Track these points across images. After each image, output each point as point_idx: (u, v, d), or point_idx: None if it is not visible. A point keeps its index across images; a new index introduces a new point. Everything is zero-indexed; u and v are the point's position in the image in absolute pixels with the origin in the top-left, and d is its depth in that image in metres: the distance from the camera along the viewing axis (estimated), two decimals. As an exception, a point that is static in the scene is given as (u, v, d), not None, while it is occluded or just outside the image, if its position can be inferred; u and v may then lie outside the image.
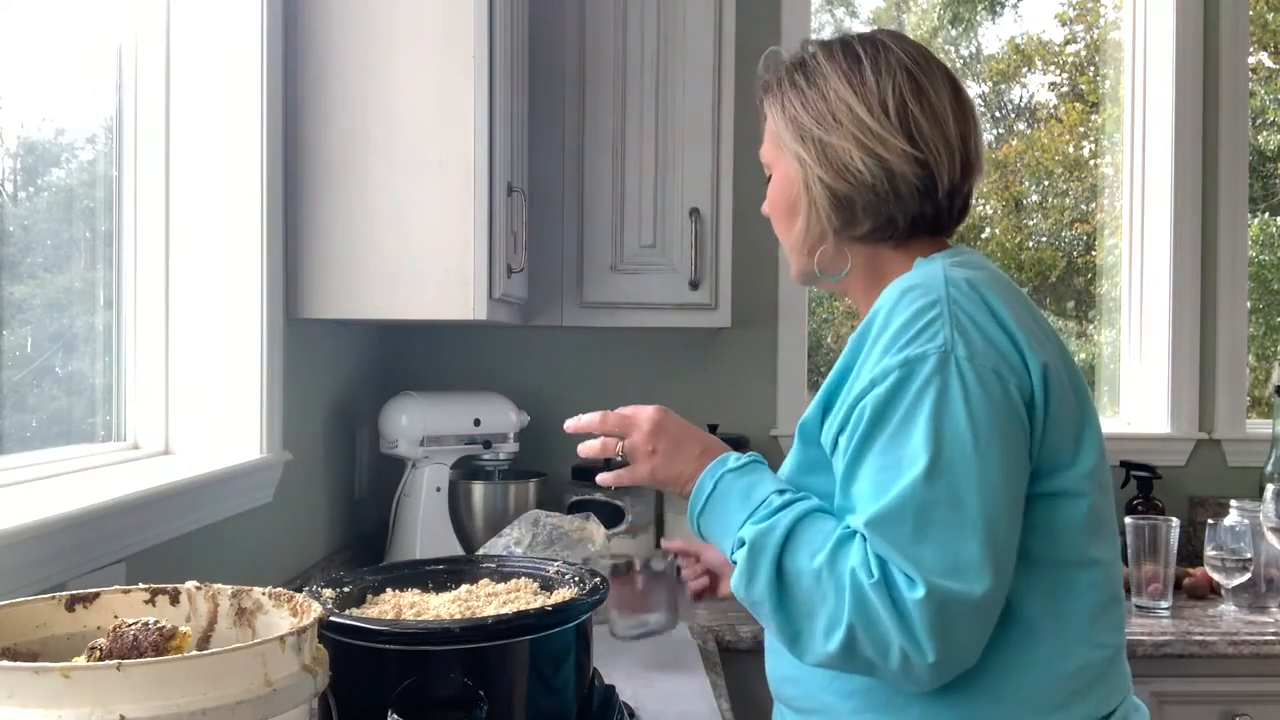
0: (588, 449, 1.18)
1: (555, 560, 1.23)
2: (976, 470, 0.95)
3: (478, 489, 2.20)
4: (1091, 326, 3.22)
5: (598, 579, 1.13)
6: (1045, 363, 1.01)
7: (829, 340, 3.39)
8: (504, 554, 1.47)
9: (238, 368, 1.61)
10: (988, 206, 3.67)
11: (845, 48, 1.14)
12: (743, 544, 1.02)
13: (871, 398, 0.99)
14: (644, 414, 1.15)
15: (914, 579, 0.93)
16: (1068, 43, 3.58)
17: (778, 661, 1.15)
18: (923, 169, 1.09)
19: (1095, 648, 1.06)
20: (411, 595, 1.15)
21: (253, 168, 1.60)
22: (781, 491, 1.05)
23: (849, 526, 1.00)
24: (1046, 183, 3.58)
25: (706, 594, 1.48)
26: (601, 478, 1.20)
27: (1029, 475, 1.01)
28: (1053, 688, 1.04)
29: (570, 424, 1.19)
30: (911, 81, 1.10)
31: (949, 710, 1.02)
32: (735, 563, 1.04)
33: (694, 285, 2.22)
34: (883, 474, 0.97)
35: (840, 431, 1.03)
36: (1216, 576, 2.13)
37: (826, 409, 1.07)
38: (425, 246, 1.71)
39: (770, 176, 1.20)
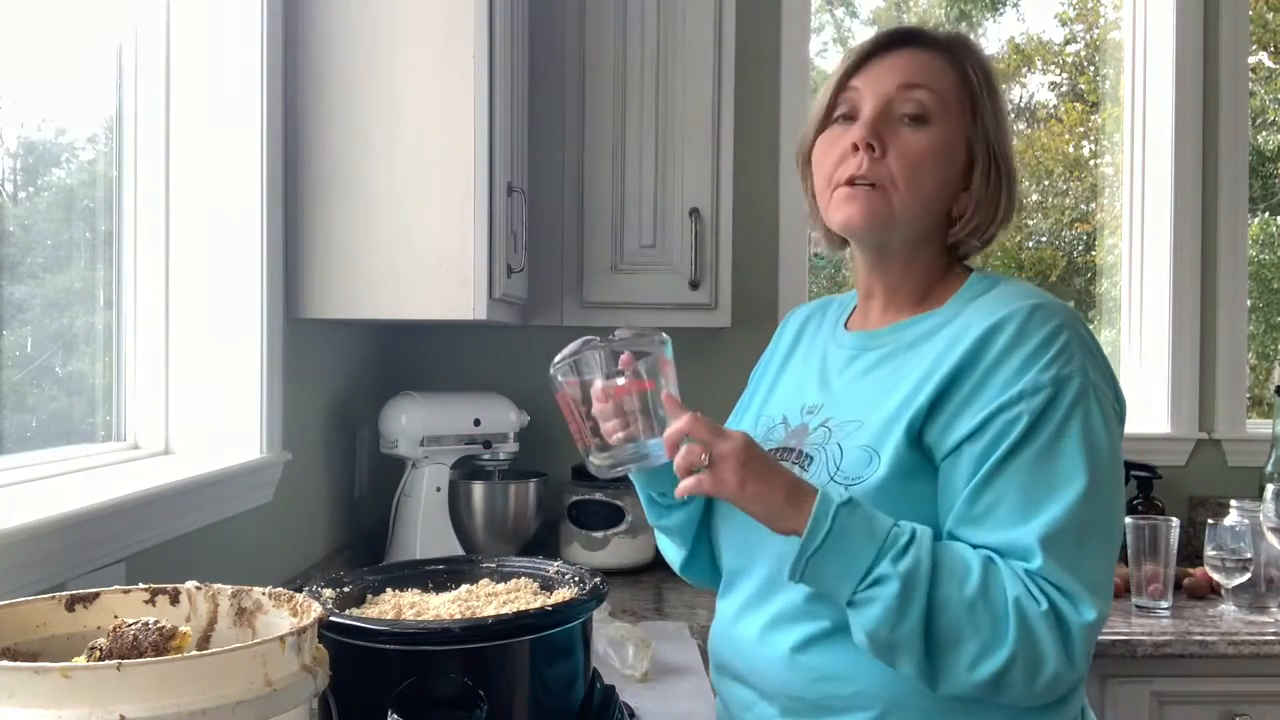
0: (677, 453, 1.03)
1: (555, 561, 1.23)
2: (1115, 494, 1.02)
3: (478, 489, 2.20)
4: (1091, 326, 3.22)
5: (598, 579, 1.13)
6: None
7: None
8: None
9: (238, 368, 1.61)
10: (988, 206, 3.66)
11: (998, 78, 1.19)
12: (879, 581, 0.97)
13: (1025, 410, 1.00)
14: (736, 432, 1.04)
15: (1082, 600, 0.97)
16: (1068, 42, 3.58)
17: (819, 658, 1.08)
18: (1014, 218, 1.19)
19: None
20: (411, 595, 1.15)
21: (253, 168, 1.60)
22: (897, 523, 1.00)
23: (987, 551, 1.00)
24: (1046, 183, 3.58)
25: None
26: (684, 487, 1.03)
27: None
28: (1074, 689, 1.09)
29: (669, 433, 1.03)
30: None
31: (985, 708, 1.04)
32: (859, 601, 0.98)
33: (694, 285, 2.22)
34: (1039, 489, 0.99)
35: (968, 437, 1.02)
36: (1216, 576, 2.13)
37: (934, 409, 1.04)
38: (425, 246, 1.71)
39: (923, 112, 1.11)
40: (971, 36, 1.23)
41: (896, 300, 1.18)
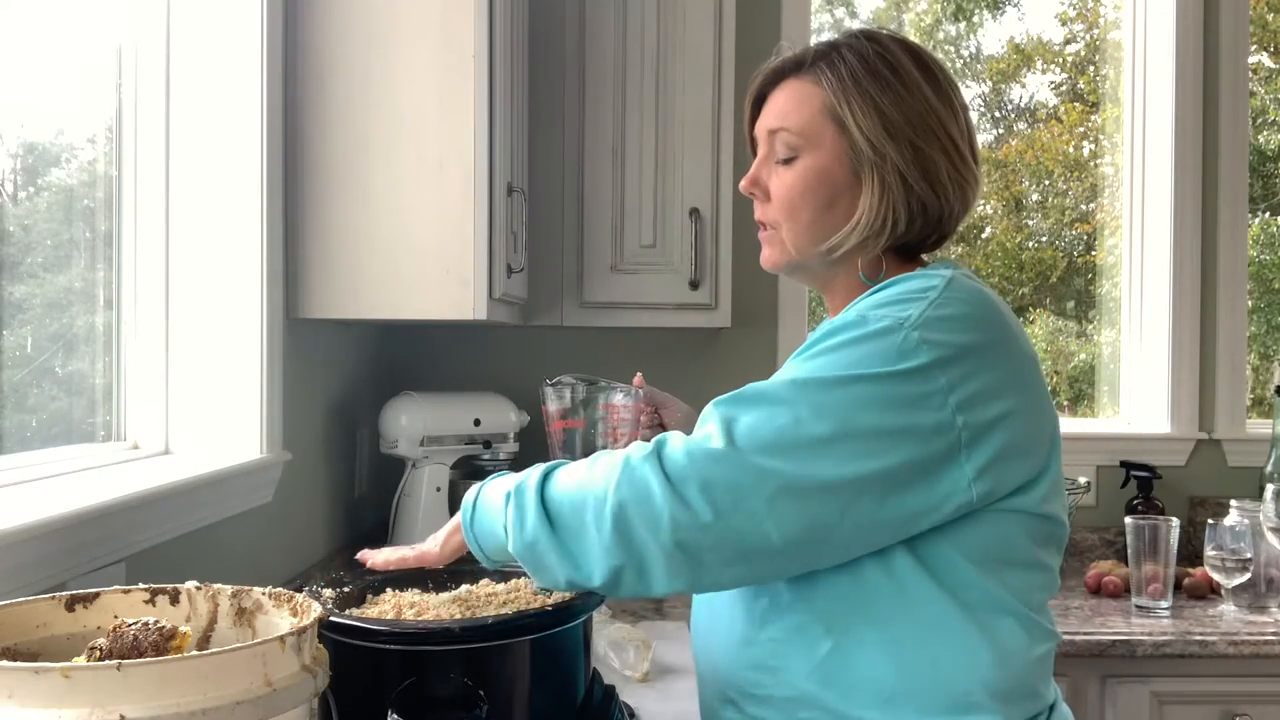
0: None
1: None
2: (843, 415, 0.95)
3: (478, 489, 2.20)
4: (1091, 326, 3.22)
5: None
6: (1024, 400, 1.02)
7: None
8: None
9: (237, 368, 1.61)
10: (988, 206, 3.67)
11: (919, 55, 1.16)
12: (506, 502, 1.04)
13: (812, 338, 1.04)
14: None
15: (717, 433, 0.96)
16: (1068, 42, 3.58)
17: (747, 649, 1.11)
18: (973, 196, 1.17)
19: (1049, 637, 1.11)
20: (411, 595, 1.15)
21: (252, 167, 1.61)
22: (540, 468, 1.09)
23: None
24: (1046, 183, 3.59)
25: None
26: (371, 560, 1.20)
27: (972, 490, 1.00)
28: (1024, 672, 1.07)
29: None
30: (967, 108, 1.19)
31: (942, 693, 1.03)
32: (506, 532, 1.04)
33: (694, 285, 2.22)
34: (772, 380, 1.01)
35: None
36: (1216, 576, 2.13)
37: None
38: (425, 246, 1.71)
39: (790, 153, 1.15)
40: (872, 28, 1.19)
41: (836, 310, 1.21)
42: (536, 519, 1.01)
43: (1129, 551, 2.16)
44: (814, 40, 1.37)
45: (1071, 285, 3.50)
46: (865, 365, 0.97)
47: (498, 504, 1.07)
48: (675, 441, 0.98)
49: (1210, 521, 2.15)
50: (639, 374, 1.37)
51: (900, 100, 1.12)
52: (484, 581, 1.19)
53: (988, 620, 1.04)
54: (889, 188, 1.12)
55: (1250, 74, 2.75)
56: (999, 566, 1.04)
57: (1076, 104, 3.57)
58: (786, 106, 1.16)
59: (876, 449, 0.96)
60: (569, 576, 1.02)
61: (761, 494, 0.95)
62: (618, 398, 1.33)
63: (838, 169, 1.13)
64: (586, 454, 1.32)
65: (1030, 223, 3.61)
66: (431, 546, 1.16)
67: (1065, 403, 3.31)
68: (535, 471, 1.06)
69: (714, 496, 0.95)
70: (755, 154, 1.22)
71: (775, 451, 0.95)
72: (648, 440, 1.36)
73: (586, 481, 1.00)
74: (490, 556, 1.10)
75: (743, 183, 1.20)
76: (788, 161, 1.16)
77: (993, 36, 4.78)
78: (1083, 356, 3.33)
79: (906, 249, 1.18)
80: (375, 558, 1.19)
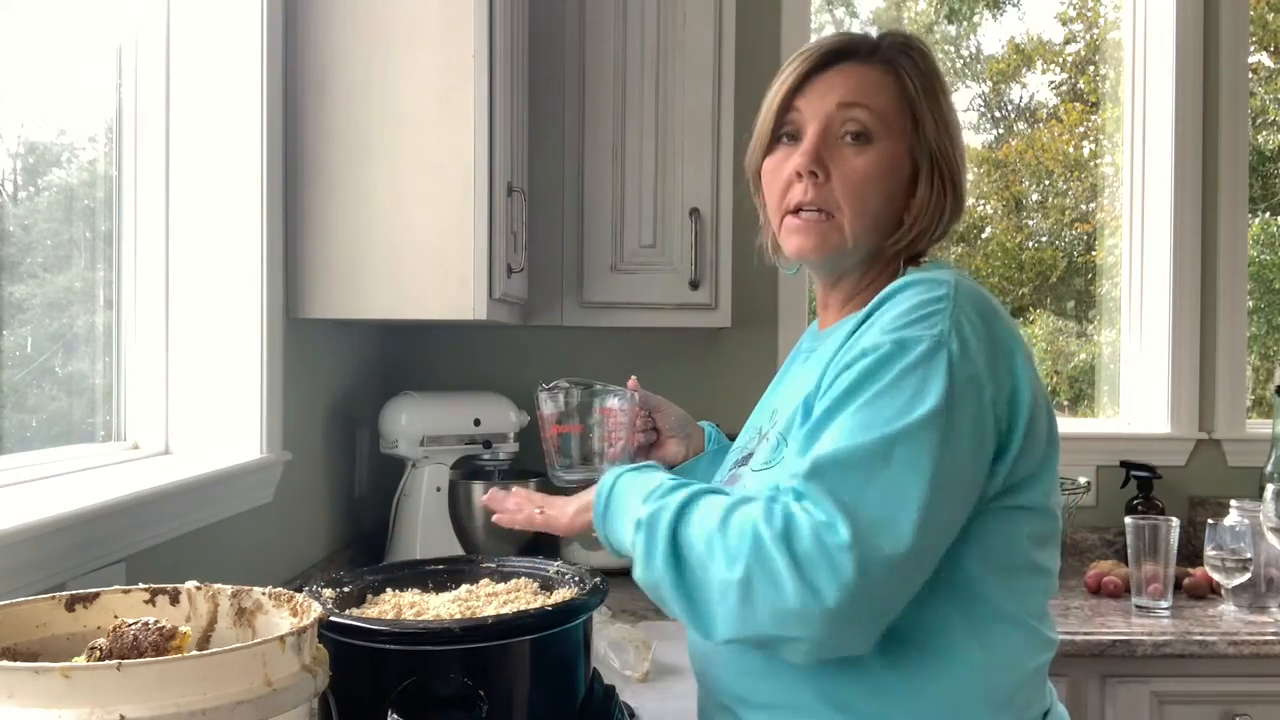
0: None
1: (555, 561, 1.23)
2: (935, 457, 0.94)
3: (478, 489, 2.20)
4: (1091, 326, 3.22)
5: (598, 579, 1.13)
6: (1034, 391, 1.03)
7: (829, 340, 3.38)
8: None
9: (237, 368, 1.61)
10: (988, 206, 3.67)
11: (944, 78, 1.19)
12: (636, 526, 1.01)
13: (858, 366, 0.99)
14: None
15: (839, 524, 0.91)
16: (1068, 42, 3.58)
17: (741, 656, 1.11)
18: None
19: (1048, 646, 1.10)
20: (411, 595, 1.15)
21: (253, 167, 1.61)
22: (673, 478, 1.06)
23: (752, 493, 1.01)
24: (1046, 183, 3.59)
25: (652, 453, 1.43)
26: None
27: (986, 488, 1.01)
28: (1030, 682, 1.08)
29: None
30: None
31: (936, 703, 1.03)
32: (633, 548, 1.02)
33: (694, 285, 2.22)
34: (849, 430, 0.96)
35: (817, 394, 1.03)
36: (1216, 576, 2.13)
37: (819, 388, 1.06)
38: (425, 246, 1.71)
39: (863, 134, 1.12)
40: (912, 34, 1.20)
41: (850, 307, 1.19)
42: (664, 562, 0.98)
43: (1129, 551, 2.16)
44: (814, 40, 1.35)
45: (1071, 285, 3.50)
46: (932, 395, 0.96)
47: (629, 514, 1.04)
48: (803, 523, 0.93)
49: (1210, 521, 2.15)
50: (633, 377, 1.37)
51: (953, 113, 1.16)
52: (484, 581, 1.19)
53: (989, 628, 1.04)
54: (940, 190, 1.14)
55: (1250, 74, 2.75)
56: (1003, 572, 1.04)
57: (1076, 104, 3.57)
58: (863, 85, 1.13)
59: (971, 483, 0.99)
60: (689, 624, 1.00)
61: (887, 576, 0.94)
62: (613, 401, 1.32)
63: (905, 163, 1.14)
64: (583, 459, 1.33)
65: (1030, 223, 3.61)
66: (559, 516, 1.16)
67: (1065, 403, 3.31)
68: (671, 503, 1.00)
69: (844, 584, 0.91)
70: (779, 135, 1.17)
71: (891, 526, 0.93)
72: (644, 444, 1.38)
73: (718, 541, 0.96)
74: (615, 550, 1.10)
75: (803, 159, 1.12)
76: (859, 139, 1.12)
77: (992, 36, 4.78)
78: (1083, 356, 3.33)
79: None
80: (505, 503, 1.21)
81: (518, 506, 1.20)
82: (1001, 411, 1.01)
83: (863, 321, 1.05)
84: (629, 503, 1.05)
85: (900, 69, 1.14)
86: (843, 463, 0.94)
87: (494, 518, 1.22)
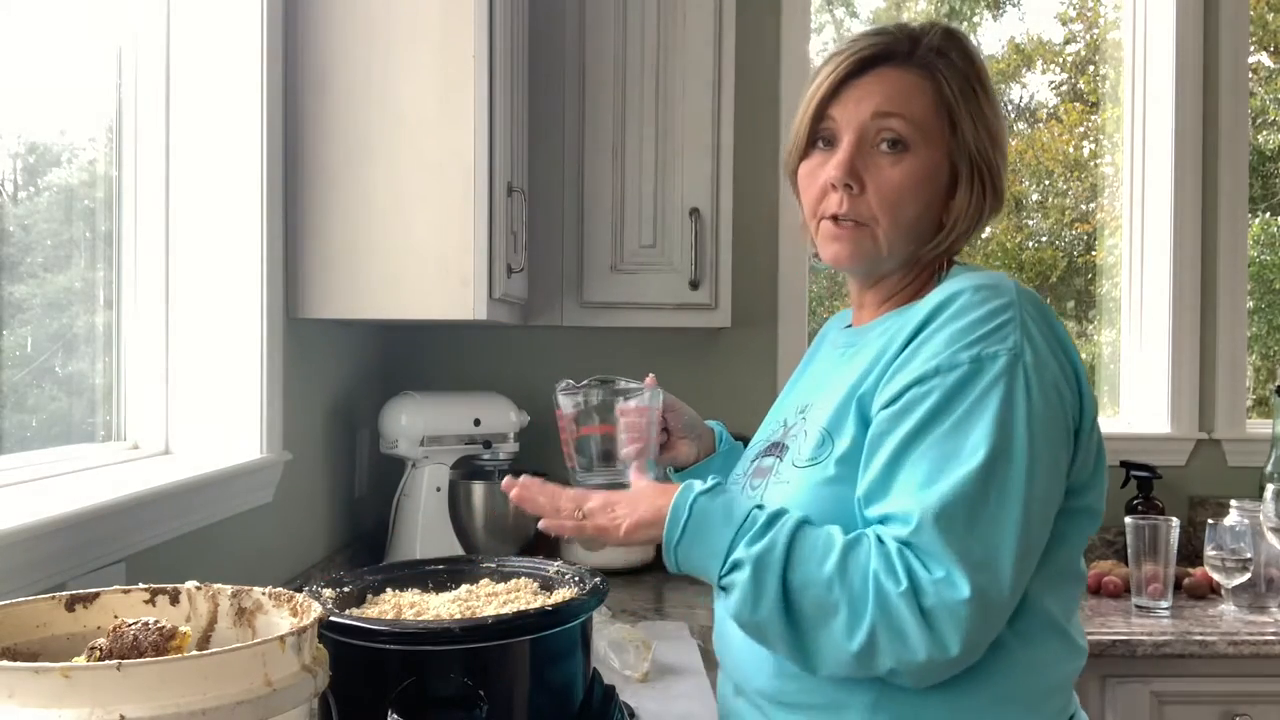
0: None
1: (555, 560, 1.23)
2: (1026, 474, 0.96)
3: (478, 489, 2.20)
4: (1091, 326, 3.22)
5: (598, 579, 1.13)
6: (1092, 393, 1.05)
7: (829, 340, 3.38)
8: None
9: (237, 368, 1.61)
10: (988, 206, 3.66)
11: (986, 70, 1.16)
12: (737, 566, 0.99)
13: (938, 386, 0.98)
14: (596, 492, 1.13)
15: (957, 576, 0.93)
16: (1068, 42, 3.58)
17: (772, 656, 1.10)
18: None
19: (1081, 654, 1.11)
20: (411, 595, 1.15)
21: (252, 167, 1.61)
22: (760, 506, 1.03)
23: (867, 529, 0.99)
24: (1046, 183, 3.58)
25: (663, 454, 1.39)
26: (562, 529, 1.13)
27: (1064, 491, 1.03)
28: (1062, 687, 1.09)
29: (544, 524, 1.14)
30: None
31: (975, 706, 1.02)
32: (725, 587, 1.01)
33: (694, 285, 2.22)
34: (940, 463, 0.96)
35: (884, 407, 1.01)
36: (1216, 576, 2.13)
37: (877, 386, 1.05)
38: (425, 246, 1.71)
39: (899, 143, 1.10)
40: (952, 26, 1.17)
41: (888, 306, 1.19)
42: (775, 608, 0.97)
43: (1129, 551, 2.16)
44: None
45: (1071, 285, 3.50)
46: (1018, 415, 0.97)
47: (718, 545, 1.01)
48: (924, 579, 0.94)
49: (1210, 521, 2.15)
50: (651, 375, 1.33)
51: (993, 107, 1.13)
52: (484, 581, 1.19)
53: (1034, 634, 1.04)
54: (980, 193, 1.12)
55: (1250, 74, 2.74)
56: (1052, 577, 1.04)
57: (1076, 104, 3.57)
58: (898, 93, 1.10)
59: (1058, 494, 1.01)
60: (791, 657, 1.00)
61: (1002, 611, 0.97)
62: (636, 400, 1.27)
63: (943, 170, 1.12)
64: (605, 460, 1.26)
65: (1030, 223, 3.61)
66: (611, 529, 1.08)
67: (1065, 403, 3.30)
68: (778, 542, 0.98)
69: (971, 635, 0.94)
70: (814, 138, 1.15)
71: (996, 561, 0.95)
72: (661, 445, 1.33)
73: (839, 592, 0.96)
74: (680, 571, 1.06)
75: (837, 172, 1.10)
76: (895, 147, 1.10)
77: (993, 36, 4.78)
78: (1083, 356, 3.33)
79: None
80: (537, 500, 1.13)
81: (554, 507, 1.12)
82: (1074, 414, 1.02)
83: (923, 326, 1.03)
84: (715, 531, 1.02)
85: (937, 72, 1.11)
86: (948, 510, 0.95)
87: (540, 524, 1.13)
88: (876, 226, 1.11)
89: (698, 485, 1.05)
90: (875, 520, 1.00)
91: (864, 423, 1.05)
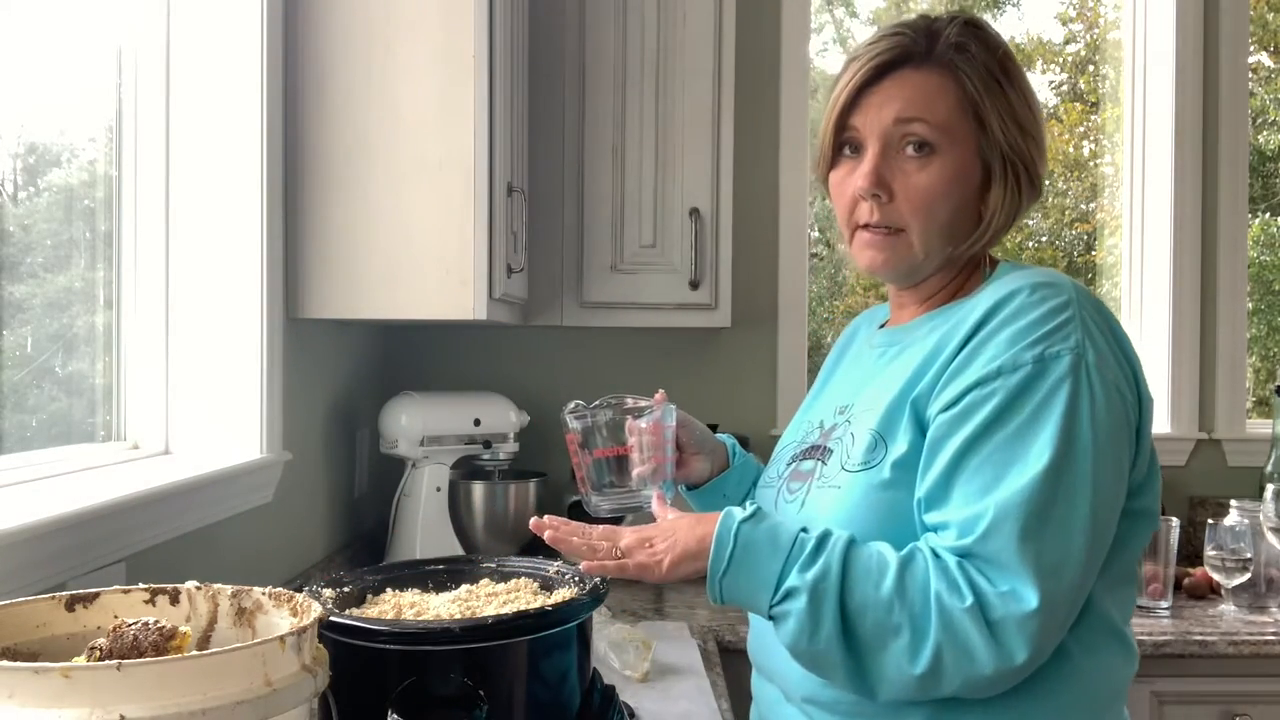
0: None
1: (555, 561, 1.23)
2: (1093, 477, 0.95)
3: (478, 489, 2.20)
4: (1091, 326, 3.22)
5: (598, 579, 1.13)
6: (1149, 392, 1.04)
7: (829, 340, 3.39)
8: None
9: (237, 368, 1.61)
10: (988, 206, 3.66)
11: (1011, 56, 1.13)
12: (790, 595, 0.97)
13: (1000, 387, 0.97)
14: (627, 529, 1.10)
15: (1023, 587, 0.92)
16: (1068, 42, 3.58)
17: None
18: None
19: (1135, 660, 1.10)
20: (411, 595, 1.15)
21: (253, 167, 1.60)
22: (805, 530, 1.00)
23: (921, 544, 0.98)
24: (1046, 183, 3.59)
25: (675, 472, 1.34)
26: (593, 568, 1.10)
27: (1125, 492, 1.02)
28: (1121, 693, 1.09)
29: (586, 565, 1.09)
30: None
31: (1038, 708, 1.01)
32: (776, 616, 0.99)
33: (694, 285, 2.22)
34: (1005, 468, 0.95)
35: (944, 409, 1.00)
36: (1216, 576, 2.13)
37: (934, 387, 1.03)
38: (425, 246, 1.71)
39: (925, 147, 1.07)
40: (972, 15, 1.14)
41: (928, 305, 1.16)
42: (833, 632, 0.95)
43: (1129, 551, 2.16)
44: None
45: (1071, 285, 3.50)
46: (1082, 415, 0.96)
47: (767, 575, 0.98)
48: (989, 592, 0.93)
49: (1210, 521, 2.15)
50: (661, 391, 1.27)
51: (1022, 97, 1.10)
52: (484, 581, 1.19)
53: (1095, 639, 1.03)
54: (1015, 188, 1.10)
55: (1250, 74, 2.74)
56: (1113, 580, 1.03)
57: (1076, 104, 3.57)
58: (920, 97, 1.08)
59: (1122, 494, 1.00)
60: (849, 685, 0.98)
61: (1069, 613, 0.96)
62: (648, 418, 1.23)
63: (974, 168, 1.09)
64: (618, 482, 1.23)
65: (1030, 223, 3.61)
66: (652, 566, 1.05)
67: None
68: (831, 568, 0.96)
69: (1037, 642, 0.93)
70: (840, 147, 1.13)
71: (1065, 565, 0.94)
72: (672, 460, 1.27)
73: (899, 613, 0.94)
74: (723, 603, 1.03)
75: (864, 183, 1.08)
76: (921, 150, 1.07)
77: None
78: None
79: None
80: (570, 540, 1.09)
81: (589, 548, 1.08)
82: (1134, 412, 1.01)
83: (979, 326, 1.02)
84: (762, 560, 0.99)
85: (958, 69, 1.08)
86: (1016, 516, 0.93)
87: (581, 566, 1.09)
88: (910, 232, 1.09)
89: (738, 513, 1.02)
90: (933, 527, 0.98)
91: (920, 425, 1.03)
